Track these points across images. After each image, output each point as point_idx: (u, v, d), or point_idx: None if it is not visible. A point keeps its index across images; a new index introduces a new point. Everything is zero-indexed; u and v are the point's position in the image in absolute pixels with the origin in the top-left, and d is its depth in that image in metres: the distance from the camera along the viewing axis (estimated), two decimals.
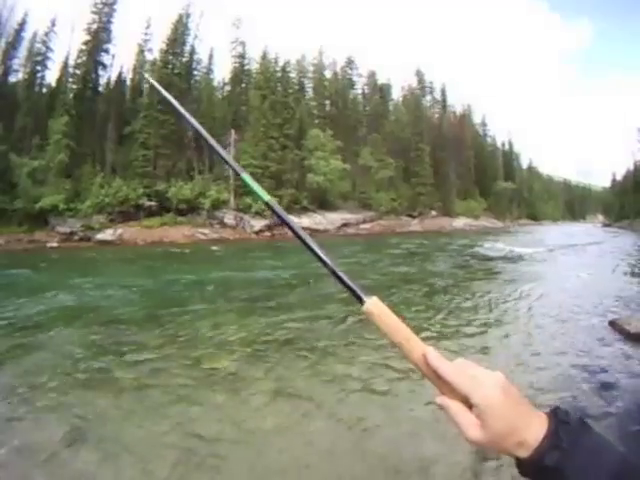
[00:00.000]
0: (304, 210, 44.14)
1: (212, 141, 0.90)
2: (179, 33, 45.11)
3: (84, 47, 41.01)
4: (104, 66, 42.96)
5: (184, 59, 45.66)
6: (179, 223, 37.46)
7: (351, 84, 63.86)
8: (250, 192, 0.82)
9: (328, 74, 62.99)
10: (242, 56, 51.63)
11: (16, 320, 8.25)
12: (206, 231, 37.21)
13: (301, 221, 41.60)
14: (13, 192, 32.48)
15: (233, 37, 51.40)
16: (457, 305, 9.27)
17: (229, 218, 39.05)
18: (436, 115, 74.91)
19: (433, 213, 60.72)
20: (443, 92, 78.18)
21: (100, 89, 43.28)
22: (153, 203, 37.52)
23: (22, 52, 40.81)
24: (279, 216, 0.76)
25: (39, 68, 41.43)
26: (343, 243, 28.96)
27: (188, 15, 46.37)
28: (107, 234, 33.64)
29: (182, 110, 1.00)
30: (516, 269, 15.53)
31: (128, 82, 46.11)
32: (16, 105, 37.60)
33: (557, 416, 0.57)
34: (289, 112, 47.19)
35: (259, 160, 41.87)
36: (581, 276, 13.23)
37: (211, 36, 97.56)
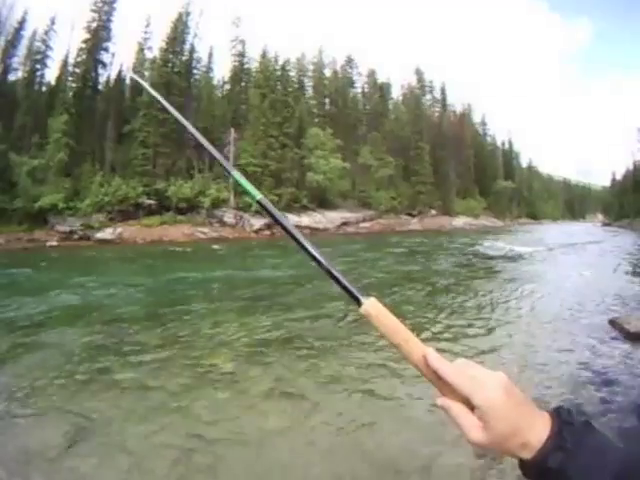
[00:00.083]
0: (304, 209, 44.15)
1: (203, 140, 0.88)
2: (179, 31, 45.05)
3: (84, 45, 40.96)
4: (104, 65, 42.96)
5: (184, 57, 45.62)
6: (179, 222, 37.43)
7: (351, 83, 63.85)
8: (244, 191, 0.80)
9: (328, 73, 63.02)
10: (242, 55, 51.58)
11: (16, 319, 8.25)
12: (206, 230, 37.18)
13: (301, 220, 41.59)
14: (13, 191, 32.44)
15: (233, 35, 51.46)
16: (458, 304, 9.27)
17: (229, 217, 39.02)
18: (436, 114, 74.93)
19: (433, 212, 60.75)
20: (443, 91, 78.29)
21: (100, 88, 43.24)
22: (153, 202, 37.48)
23: (22, 50, 40.83)
24: (271, 215, 0.74)
25: (39, 66, 41.38)
26: (343, 242, 28.95)
27: (188, 13, 46.35)
28: (107, 233, 33.62)
29: (172, 110, 0.97)
30: (516, 268, 15.53)
31: (128, 81, 46.01)
32: (15, 104, 37.55)
33: (560, 416, 0.57)
34: (289, 111, 47.16)
35: (259, 159, 41.89)
36: (581, 275, 13.23)
37: (211, 35, 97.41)
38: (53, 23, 41.84)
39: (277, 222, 0.74)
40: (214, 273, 14.29)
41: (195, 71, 48.14)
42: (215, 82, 54.05)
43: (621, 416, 4.17)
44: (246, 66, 51.81)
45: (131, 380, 5.15)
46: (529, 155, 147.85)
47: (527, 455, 0.55)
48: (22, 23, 40.55)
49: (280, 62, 52.21)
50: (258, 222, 38.40)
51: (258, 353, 6.07)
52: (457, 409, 0.58)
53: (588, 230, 54.22)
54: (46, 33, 41.41)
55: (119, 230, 34.14)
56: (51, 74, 43.02)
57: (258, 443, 3.78)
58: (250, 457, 3.60)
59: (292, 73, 56.00)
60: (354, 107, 60.95)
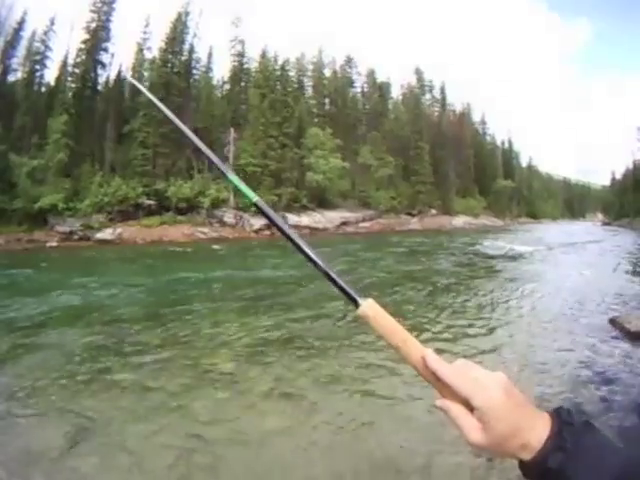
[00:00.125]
0: (303, 209, 44.10)
1: (198, 142, 0.87)
2: (178, 32, 44.96)
3: (83, 46, 40.85)
4: (103, 65, 42.84)
5: (183, 58, 45.50)
6: (178, 222, 37.35)
7: (350, 82, 63.75)
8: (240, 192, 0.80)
9: (327, 72, 62.91)
10: (241, 55, 51.49)
11: (17, 320, 8.25)
12: (206, 230, 37.14)
13: (300, 220, 41.58)
14: (12, 192, 32.35)
15: (232, 35, 51.30)
16: (459, 304, 9.31)
17: (229, 217, 38.97)
18: (435, 114, 74.82)
19: (433, 211, 60.69)
20: (442, 91, 78.06)
21: (99, 88, 43.10)
22: (152, 202, 37.42)
23: (21, 51, 40.70)
24: (267, 216, 0.74)
25: (38, 67, 41.30)
26: (343, 242, 28.95)
27: (187, 13, 46.22)
28: (106, 233, 33.56)
29: (167, 111, 0.97)
30: (517, 267, 15.55)
31: (127, 81, 46.01)
32: (15, 104, 37.48)
33: (560, 417, 0.56)
34: (288, 111, 47.09)
35: (258, 159, 41.84)
36: (581, 274, 13.25)
37: (210, 35, 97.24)
38: (52, 24, 41.81)
39: (273, 224, 0.74)
40: (215, 273, 14.28)
41: (194, 71, 48.03)
42: (215, 82, 53.99)
43: (621, 415, 4.18)
44: (245, 66, 51.72)
45: (131, 380, 5.15)
46: (529, 154, 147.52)
47: (527, 456, 0.54)
48: (21, 23, 40.50)
49: (280, 62, 52.12)
50: (258, 222, 38.34)
51: (258, 353, 6.08)
52: (456, 410, 0.58)
53: (588, 229, 54.29)
54: (45, 33, 41.35)
55: (119, 230, 34.09)
56: (50, 75, 43.01)
57: (258, 443, 3.79)
58: (250, 457, 3.60)
59: (292, 73, 55.90)
60: (354, 107, 60.87)
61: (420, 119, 63.04)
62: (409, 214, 56.88)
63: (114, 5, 42.22)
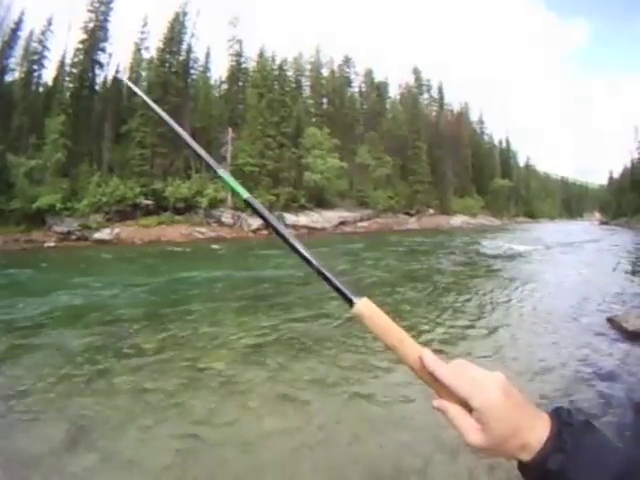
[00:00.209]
0: (301, 208, 44.12)
1: (189, 139, 0.88)
2: (176, 31, 44.93)
3: (81, 46, 40.79)
4: (101, 65, 42.74)
5: (181, 57, 45.48)
6: (176, 222, 37.33)
7: (348, 82, 63.76)
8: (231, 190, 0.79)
9: (325, 72, 62.98)
10: (239, 54, 51.55)
11: (16, 320, 8.23)
12: (203, 230, 37.12)
13: (298, 219, 41.60)
14: (10, 192, 32.26)
15: (230, 35, 51.34)
16: (459, 303, 9.34)
17: (226, 217, 38.94)
18: (433, 113, 74.91)
19: (430, 211, 60.76)
20: (440, 90, 78.11)
21: (97, 88, 43.07)
22: (150, 202, 37.38)
23: (18, 51, 40.63)
24: (259, 213, 0.74)
25: (36, 67, 41.23)
26: (341, 241, 28.95)
27: (185, 13, 46.19)
28: (104, 233, 33.51)
29: (157, 108, 0.97)
30: (515, 267, 15.59)
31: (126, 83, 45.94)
32: (12, 104, 37.40)
33: (560, 417, 0.56)
34: (286, 110, 47.07)
35: (256, 158, 41.84)
36: (579, 274, 13.28)
37: (208, 34, 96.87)
38: (50, 24, 41.73)
39: (265, 221, 0.73)
40: (214, 273, 14.25)
41: (192, 71, 48.05)
42: (212, 82, 54.06)
43: (619, 414, 4.19)
44: (243, 66, 51.80)
45: (130, 381, 5.14)
46: (526, 154, 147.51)
47: (526, 457, 0.54)
48: (19, 23, 40.41)
49: (277, 62, 52.15)
50: (256, 222, 38.28)
51: (258, 354, 6.08)
52: (454, 411, 0.57)
53: (586, 229, 54.39)
54: (43, 33, 41.28)
55: (117, 230, 34.04)
56: (48, 75, 42.98)
57: (255, 444, 3.79)
58: (247, 457, 3.60)
59: (289, 73, 55.92)
60: (351, 106, 60.90)
61: (418, 119, 63.15)
62: (407, 214, 56.94)
63: (112, 5, 42.25)
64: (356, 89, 65.36)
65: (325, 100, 60.23)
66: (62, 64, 41.54)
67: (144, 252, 24.57)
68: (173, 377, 5.23)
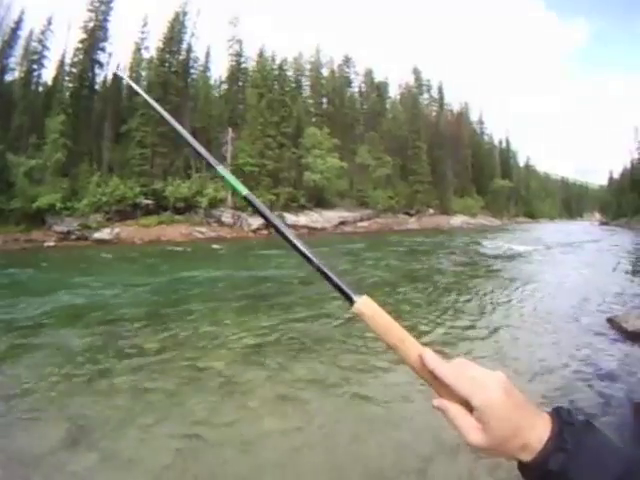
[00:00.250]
0: (301, 208, 44.12)
1: (187, 135, 0.87)
2: (176, 31, 44.92)
3: (80, 45, 40.78)
4: (100, 64, 42.73)
5: (181, 57, 45.49)
6: (176, 222, 37.32)
7: (348, 82, 63.77)
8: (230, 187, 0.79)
9: (325, 72, 62.98)
10: (239, 54, 51.53)
11: (16, 320, 8.22)
12: (203, 230, 37.11)
13: (298, 219, 41.59)
14: (10, 191, 32.25)
15: (230, 35, 51.36)
16: (460, 303, 9.35)
17: (226, 216, 38.94)
18: (433, 113, 74.94)
19: (430, 211, 60.77)
20: (440, 90, 78.15)
21: (97, 87, 43.08)
22: (150, 202, 37.38)
23: (18, 50, 40.63)
24: (259, 211, 0.73)
25: (35, 67, 41.22)
26: (341, 241, 28.94)
27: (185, 13, 46.19)
28: (104, 233, 33.49)
29: (157, 106, 0.97)
30: (515, 267, 15.59)
31: (124, 80, 45.94)
32: (12, 104, 37.39)
33: (561, 417, 0.55)
34: (286, 110, 47.06)
35: (256, 158, 41.83)
36: (580, 274, 13.28)
37: (208, 34, 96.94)
38: (50, 23, 41.73)
39: (265, 218, 0.73)
40: (216, 273, 14.24)
41: (192, 71, 48.06)
42: (212, 82, 54.11)
43: (619, 415, 4.19)
44: (243, 66, 51.79)
45: (131, 381, 5.14)
46: (526, 154, 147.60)
47: (527, 457, 0.53)
48: (19, 23, 40.40)
49: (277, 61, 52.14)
50: (256, 222, 38.31)
51: (258, 354, 6.07)
52: (455, 410, 0.56)
53: (586, 229, 54.41)
54: (43, 33, 41.27)
55: (117, 230, 34.02)
56: (48, 74, 42.99)
57: (255, 443, 3.79)
58: (247, 457, 3.60)
59: (289, 72, 55.92)
60: (351, 106, 60.90)
61: (418, 119, 63.13)
62: (407, 214, 56.96)
63: (112, 5, 42.24)
64: (356, 89, 65.47)
65: (325, 100, 60.23)
66: (62, 64, 41.55)
67: (144, 252, 24.56)
68: (174, 377, 5.23)
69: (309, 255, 0.69)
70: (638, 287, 11.42)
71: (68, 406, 4.52)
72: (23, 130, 36.47)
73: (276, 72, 50.55)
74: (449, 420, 0.57)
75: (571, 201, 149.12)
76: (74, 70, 40.72)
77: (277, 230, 0.71)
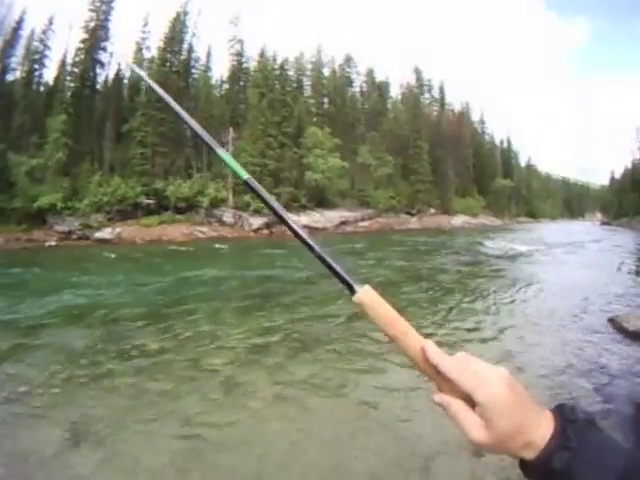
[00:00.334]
0: (302, 208, 44.09)
1: (189, 119, 0.87)
2: (177, 31, 44.98)
3: (82, 45, 40.83)
4: (102, 64, 42.79)
5: (182, 57, 45.55)
6: (177, 221, 37.35)
7: (349, 82, 63.71)
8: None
9: (326, 72, 62.88)
10: (240, 54, 51.52)
11: (18, 319, 8.24)
12: (204, 229, 37.14)
13: (300, 219, 41.53)
14: (11, 191, 32.32)
15: (231, 35, 51.36)
16: (465, 303, 9.36)
17: (228, 216, 38.98)
18: (434, 113, 74.80)
19: (431, 211, 60.69)
20: (441, 90, 78.05)
21: (98, 87, 43.12)
22: (151, 201, 37.42)
23: (20, 50, 40.73)
24: (259, 195, 0.72)
25: (37, 66, 41.31)
26: (342, 241, 28.92)
27: (186, 13, 46.25)
28: (105, 233, 33.54)
29: (158, 89, 0.97)
30: (518, 267, 15.60)
31: (126, 80, 45.96)
32: (14, 103, 37.46)
33: (563, 414, 0.54)
34: (287, 110, 47.05)
35: (257, 158, 41.80)
36: (581, 274, 13.27)
37: (209, 34, 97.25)
38: (51, 23, 41.83)
39: (265, 203, 0.71)
40: (219, 272, 14.26)
41: (193, 70, 48.10)
42: (213, 81, 54.05)
43: (619, 414, 4.19)
44: (244, 65, 51.76)
45: (133, 381, 5.14)
46: (527, 154, 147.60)
47: (530, 455, 0.52)
48: (20, 23, 40.48)
49: (278, 61, 52.07)
50: (257, 221, 38.39)
51: (262, 354, 6.07)
52: (457, 406, 0.55)
53: (587, 229, 54.37)
54: (44, 33, 41.36)
55: (118, 230, 34.06)
56: (49, 74, 43.08)
57: (257, 443, 3.79)
58: (247, 457, 3.60)
59: (290, 72, 55.88)
60: (352, 106, 60.83)
61: (419, 118, 63.01)
62: (408, 213, 56.90)
63: (113, 4, 42.27)
64: (357, 89, 65.36)
65: (326, 100, 60.16)
66: (63, 63, 41.65)
67: (146, 251, 24.57)
68: (176, 377, 5.24)
69: (310, 242, 0.67)
70: (639, 287, 11.41)
71: (70, 405, 4.53)
72: (24, 130, 36.51)
73: (277, 72, 50.53)
74: (450, 416, 0.55)
75: (572, 201, 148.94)
76: (75, 70, 40.76)
77: (277, 215, 0.70)
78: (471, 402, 0.54)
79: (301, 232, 0.68)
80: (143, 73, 1.07)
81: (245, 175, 0.74)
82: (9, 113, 35.89)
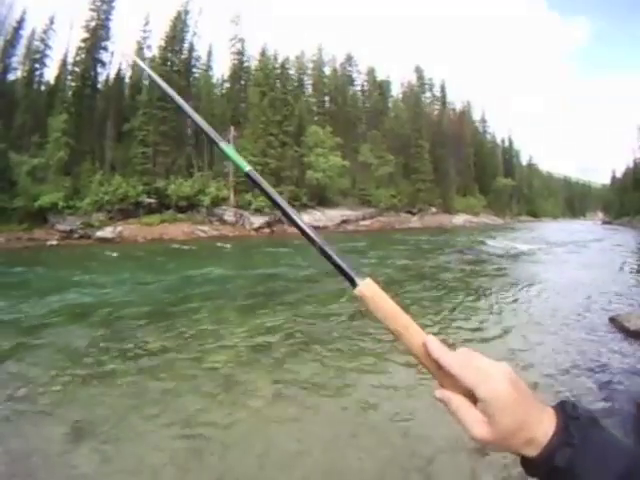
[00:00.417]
0: (303, 207, 44.06)
1: (191, 112, 0.85)
2: (178, 30, 45.02)
3: (83, 45, 40.91)
4: (103, 63, 42.89)
5: (183, 56, 45.62)
6: (179, 220, 37.41)
7: (350, 80, 63.76)
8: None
9: (327, 70, 62.95)
10: (241, 53, 51.55)
11: (20, 318, 8.25)
12: (205, 228, 37.17)
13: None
14: (13, 190, 32.41)
15: (232, 34, 51.41)
16: (468, 302, 9.37)
17: (229, 215, 39.02)
18: (435, 112, 74.82)
19: (433, 210, 60.66)
20: (442, 89, 78.12)
21: (99, 86, 43.20)
22: (152, 200, 37.47)
23: (21, 50, 40.87)
24: (260, 187, 0.71)
25: (38, 66, 41.40)
26: (344, 239, 28.89)
27: (187, 12, 46.33)
28: (107, 232, 33.58)
29: (161, 81, 0.96)
30: (520, 266, 15.59)
31: (127, 79, 46.03)
32: (15, 103, 37.54)
33: (566, 411, 0.53)
34: (288, 109, 47.09)
35: (258, 157, 41.77)
36: (582, 273, 13.25)
37: (210, 33, 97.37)
38: (52, 22, 41.94)
39: (266, 195, 0.71)
40: (222, 271, 14.25)
41: (194, 70, 48.20)
42: (214, 80, 54.10)
43: (621, 413, 4.19)
44: (245, 64, 51.79)
45: (135, 380, 5.15)
46: (529, 153, 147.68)
47: (532, 452, 0.51)
48: (21, 22, 40.58)
49: (279, 60, 52.15)
50: (258, 220, 38.42)
51: (264, 353, 6.07)
52: (458, 402, 0.54)
53: (588, 228, 54.28)
54: (45, 32, 41.43)
55: (119, 229, 34.11)
56: (50, 73, 43.26)
57: (258, 443, 3.79)
58: (247, 457, 3.60)
59: (291, 71, 55.96)
60: (354, 105, 60.86)
61: (420, 117, 62.98)
62: (409, 212, 56.89)
63: (114, 4, 42.33)
64: (358, 87, 65.45)
65: (327, 98, 60.24)
66: (64, 63, 41.74)
67: (148, 250, 24.60)
68: (179, 376, 5.24)
69: (311, 235, 0.67)
70: None
71: (73, 403, 4.53)
72: (25, 129, 36.59)
73: (278, 71, 50.59)
74: (452, 412, 0.55)
75: (574, 200, 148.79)
76: (76, 69, 40.84)
77: (279, 207, 0.69)
78: (473, 398, 0.53)
79: (302, 224, 0.68)
80: (145, 66, 1.07)
81: (247, 167, 0.73)
82: (10, 113, 35.94)
